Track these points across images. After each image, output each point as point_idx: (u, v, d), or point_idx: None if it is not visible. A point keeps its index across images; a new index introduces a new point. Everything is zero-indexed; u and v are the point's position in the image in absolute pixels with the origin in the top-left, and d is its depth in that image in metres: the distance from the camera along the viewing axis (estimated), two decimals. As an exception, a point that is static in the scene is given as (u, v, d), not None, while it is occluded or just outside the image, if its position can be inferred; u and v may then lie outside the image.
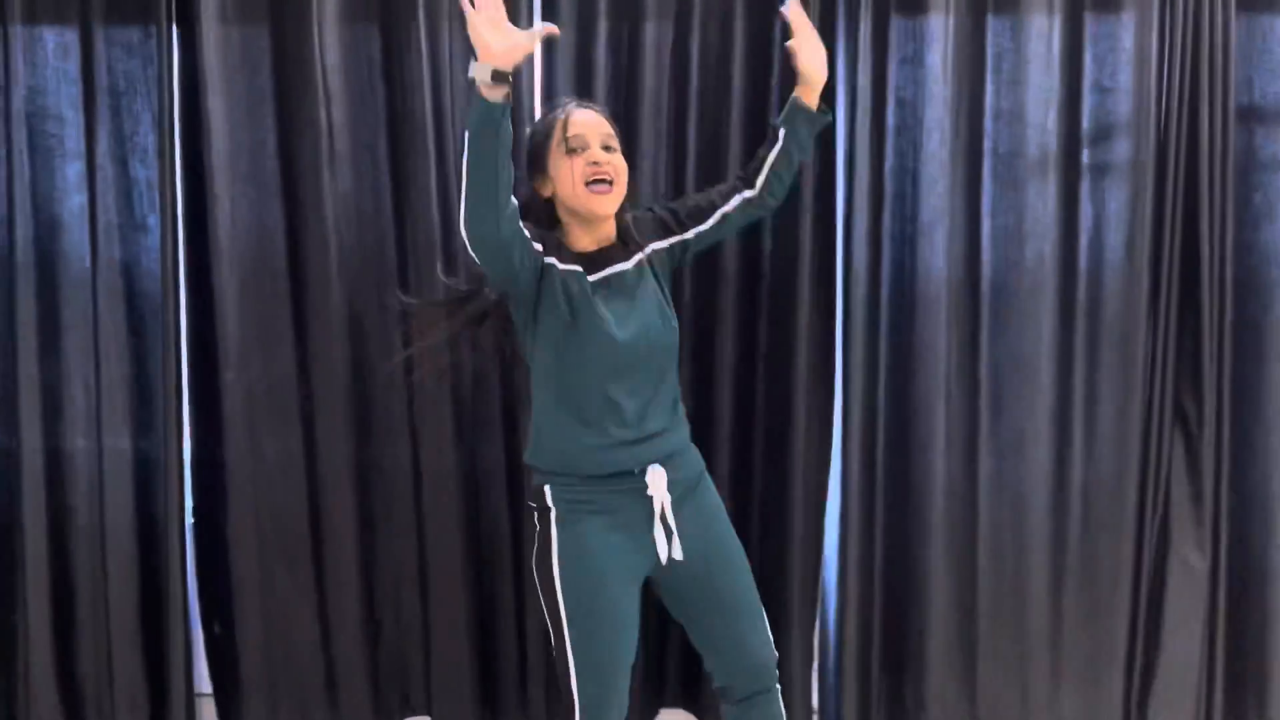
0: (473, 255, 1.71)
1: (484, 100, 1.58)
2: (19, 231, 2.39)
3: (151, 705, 2.50)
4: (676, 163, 2.39)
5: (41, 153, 2.41)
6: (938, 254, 2.32)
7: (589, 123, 1.82)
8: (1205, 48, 2.27)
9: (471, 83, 1.60)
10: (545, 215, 1.87)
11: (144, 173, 2.43)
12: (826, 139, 2.31)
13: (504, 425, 2.44)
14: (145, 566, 2.48)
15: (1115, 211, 2.30)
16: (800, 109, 1.93)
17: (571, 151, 1.79)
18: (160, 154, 2.37)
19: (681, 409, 1.92)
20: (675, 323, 1.87)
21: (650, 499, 1.79)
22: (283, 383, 2.44)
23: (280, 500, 2.45)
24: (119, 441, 2.45)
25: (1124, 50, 2.29)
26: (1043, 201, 2.30)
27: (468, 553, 2.45)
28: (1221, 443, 2.31)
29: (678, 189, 2.36)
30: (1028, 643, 2.37)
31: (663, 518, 1.80)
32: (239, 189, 2.39)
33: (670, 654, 2.50)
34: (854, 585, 2.37)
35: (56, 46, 2.41)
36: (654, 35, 2.37)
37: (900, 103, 2.33)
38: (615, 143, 1.85)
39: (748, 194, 1.96)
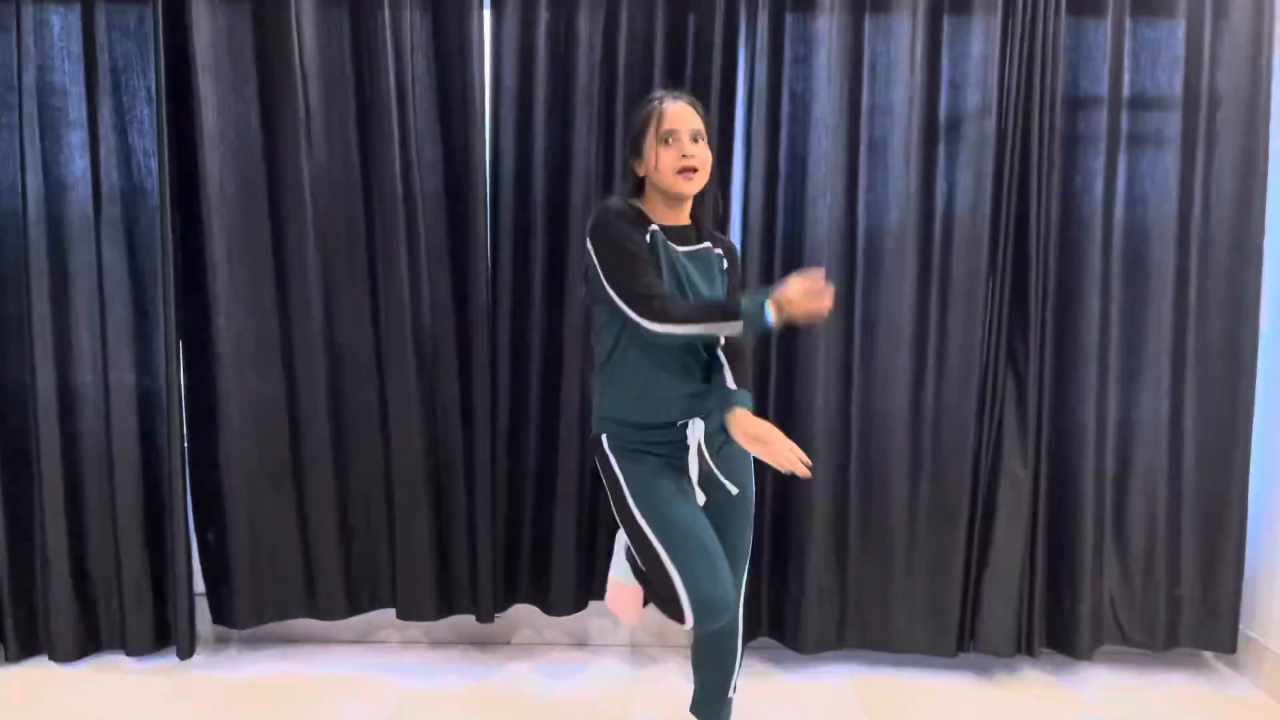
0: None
1: (765, 325, 1.87)
2: (30, 192, 2.65)
3: (155, 602, 2.83)
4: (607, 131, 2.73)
5: (49, 123, 2.67)
6: (821, 223, 2.68)
7: (681, 115, 2.02)
8: (1039, 48, 2.63)
9: (761, 310, 1.86)
10: (635, 187, 2.11)
11: (141, 142, 2.71)
12: (726, 129, 2.69)
13: (459, 363, 2.77)
14: (148, 484, 2.78)
15: (963, 188, 2.68)
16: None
17: (665, 141, 2.01)
18: (156, 125, 2.62)
19: (722, 365, 2.09)
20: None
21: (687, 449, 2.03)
22: (266, 327, 2.74)
23: (265, 427, 2.76)
24: (124, 377, 2.74)
25: (973, 53, 2.66)
26: (905, 180, 2.68)
27: (427, 471, 2.78)
28: (1043, 378, 2.72)
29: (608, 153, 2.73)
30: (889, 540, 2.78)
31: (699, 457, 2.03)
32: (226, 158, 2.67)
33: (521, 552, 2.87)
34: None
35: (61, 28, 2.67)
36: (587, 26, 2.70)
37: (792, 96, 2.70)
38: (702, 134, 2.05)
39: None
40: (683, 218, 2.11)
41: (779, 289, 1.86)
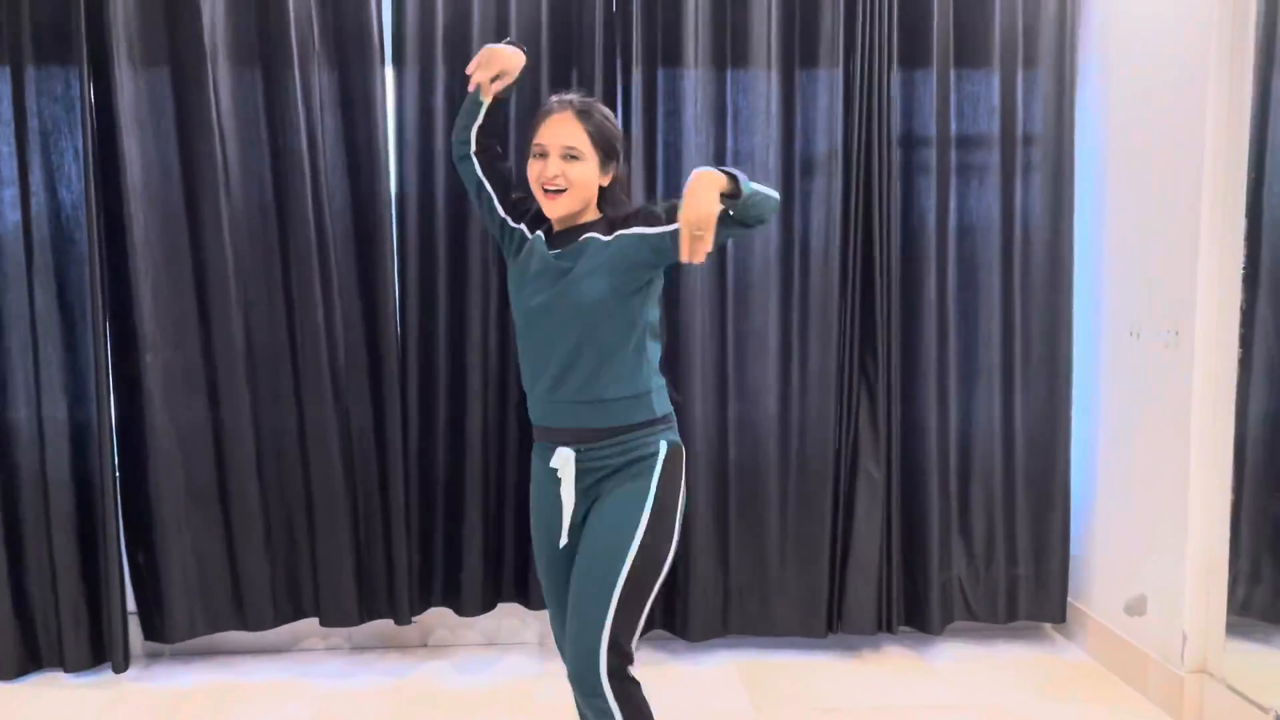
0: None
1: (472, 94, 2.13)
2: (-35, 246, 2.89)
3: (90, 620, 3.02)
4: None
5: (-18, 181, 2.92)
6: None
7: (554, 128, 1.93)
8: (876, 94, 3.00)
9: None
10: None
11: (69, 197, 2.93)
12: None
13: (370, 390, 3.03)
14: (81, 510, 2.98)
15: (816, 223, 3.05)
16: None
17: (536, 157, 1.95)
18: (83, 181, 2.85)
19: (629, 391, 1.92)
20: (615, 302, 1.87)
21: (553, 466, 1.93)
22: (191, 362, 2.97)
23: (191, 454, 2.99)
24: (57, 411, 2.94)
25: (820, 103, 3.04)
26: (766, 217, 3.08)
27: (345, 489, 3.04)
28: (891, 387, 3.09)
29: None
30: (763, 533, 3.11)
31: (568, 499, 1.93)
32: (150, 210, 2.91)
33: (506, 552, 3.15)
34: None
35: (-8, 93, 2.94)
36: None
37: (666, 145, 3.04)
38: (581, 148, 1.91)
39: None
40: (581, 219, 2.00)
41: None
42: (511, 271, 2.06)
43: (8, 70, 2.89)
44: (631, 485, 1.91)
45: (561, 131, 1.93)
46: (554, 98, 2.02)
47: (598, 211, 2.02)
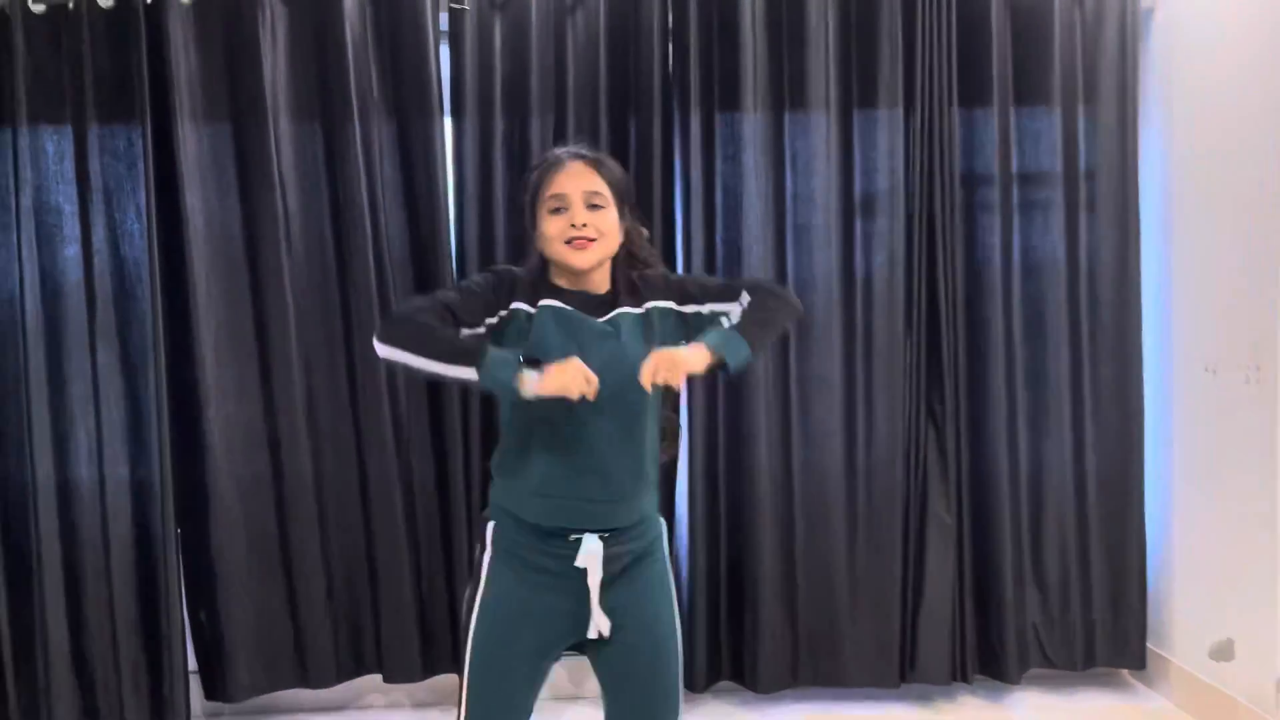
0: None
1: (513, 389, 1.66)
2: (28, 303, 2.88)
3: (150, 681, 2.99)
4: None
5: (45, 239, 2.91)
6: None
7: (572, 177, 1.79)
8: (936, 133, 2.99)
9: (511, 375, 1.67)
10: (540, 263, 1.87)
11: (131, 253, 2.94)
12: (668, 220, 3.02)
13: (432, 443, 3.02)
14: (142, 569, 2.97)
15: (879, 264, 3.03)
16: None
17: (555, 211, 1.79)
18: (145, 238, 2.88)
19: (650, 477, 1.85)
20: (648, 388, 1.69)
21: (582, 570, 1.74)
22: (252, 419, 2.98)
23: (252, 510, 2.98)
24: (119, 470, 2.95)
25: (880, 143, 3.02)
26: (827, 258, 3.02)
27: (408, 542, 3.01)
28: (960, 431, 3.04)
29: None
30: (832, 583, 3.05)
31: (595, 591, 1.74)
32: (212, 264, 2.93)
33: None
34: (701, 546, 3.03)
35: (55, 152, 2.92)
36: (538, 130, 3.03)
37: (725, 189, 3.02)
38: (603, 196, 1.80)
39: (744, 299, 1.86)
40: (598, 285, 1.85)
41: (547, 371, 1.66)
42: (540, 345, 1.76)
43: (70, 130, 2.92)
44: (654, 571, 1.86)
45: (580, 180, 1.80)
46: (558, 150, 1.89)
47: (609, 280, 1.87)
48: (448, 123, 3.04)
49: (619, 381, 1.70)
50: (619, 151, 3.02)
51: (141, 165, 2.90)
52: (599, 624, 1.77)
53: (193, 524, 3.00)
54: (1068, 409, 3.11)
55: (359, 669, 3.11)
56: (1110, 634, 3.15)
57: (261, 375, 2.99)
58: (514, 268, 1.90)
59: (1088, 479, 3.12)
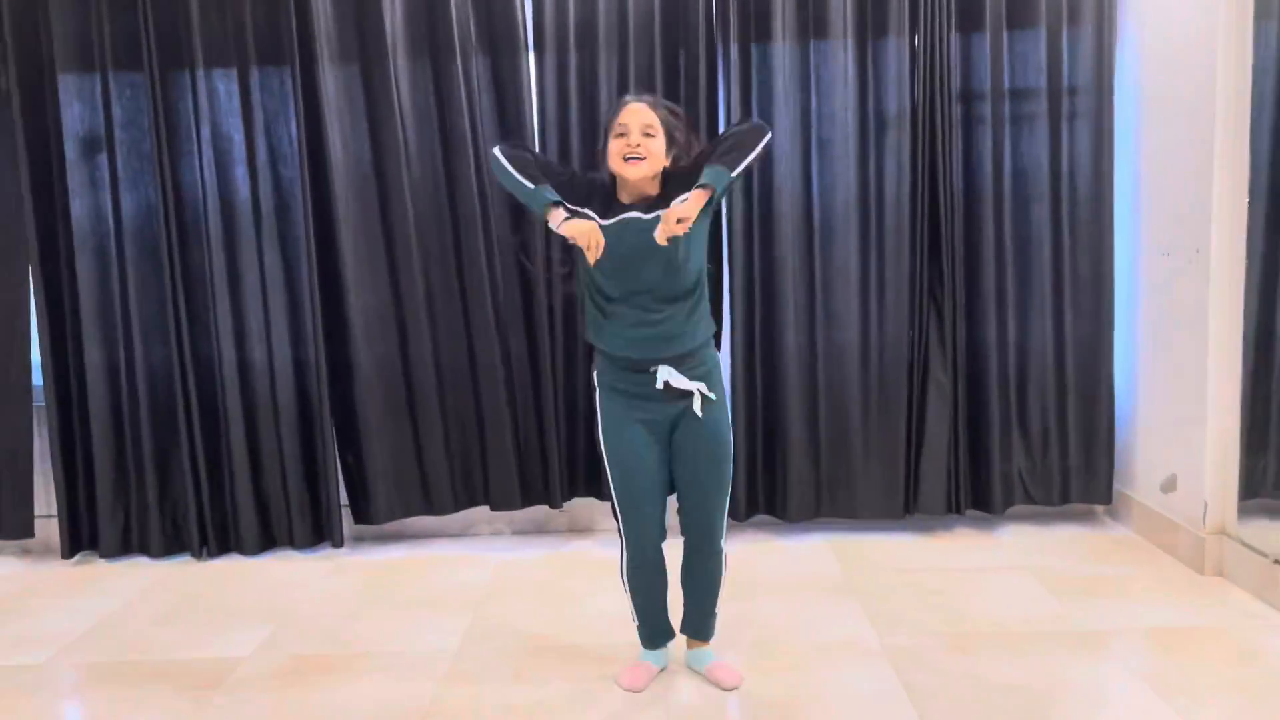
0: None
1: (542, 213, 2.38)
2: (209, 214, 3.65)
3: (312, 509, 3.85)
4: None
5: (221, 163, 3.67)
6: (784, 202, 3.63)
7: (634, 112, 2.37)
8: (937, 56, 3.54)
9: (543, 206, 2.36)
10: (612, 179, 2.45)
11: (287, 173, 3.69)
12: (711, 134, 3.63)
13: (525, 325, 3.74)
14: (303, 424, 3.79)
15: (890, 172, 3.61)
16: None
17: (618, 136, 2.37)
18: (298, 159, 3.61)
19: (703, 322, 2.45)
20: (691, 261, 2.36)
21: (660, 390, 2.40)
22: (383, 304, 3.72)
23: (386, 378, 3.75)
24: (283, 348, 3.74)
25: (890, 66, 3.59)
26: (846, 168, 3.62)
27: (507, 403, 3.76)
28: (956, 310, 3.64)
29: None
30: (848, 435, 3.73)
31: (671, 382, 2.38)
32: (348, 183, 3.64)
33: (578, 449, 3.84)
34: (741, 407, 3.72)
35: (225, 91, 3.68)
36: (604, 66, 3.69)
37: (760, 111, 3.62)
38: (657, 129, 2.36)
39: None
40: (643, 197, 2.41)
41: (573, 219, 2.32)
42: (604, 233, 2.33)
43: (235, 72, 3.66)
44: (718, 403, 2.48)
45: (640, 115, 2.37)
46: (628, 95, 2.48)
47: (659, 188, 2.43)
48: (532, 58, 3.69)
49: (650, 259, 2.35)
50: (671, 81, 3.66)
51: (291, 101, 3.63)
52: (696, 400, 2.42)
53: (340, 389, 3.79)
54: (1049, 289, 3.71)
55: (471, 501, 3.91)
56: (1083, 476, 3.79)
57: (390, 271, 3.74)
58: (597, 176, 2.52)
59: (1066, 346, 3.73)
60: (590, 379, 2.61)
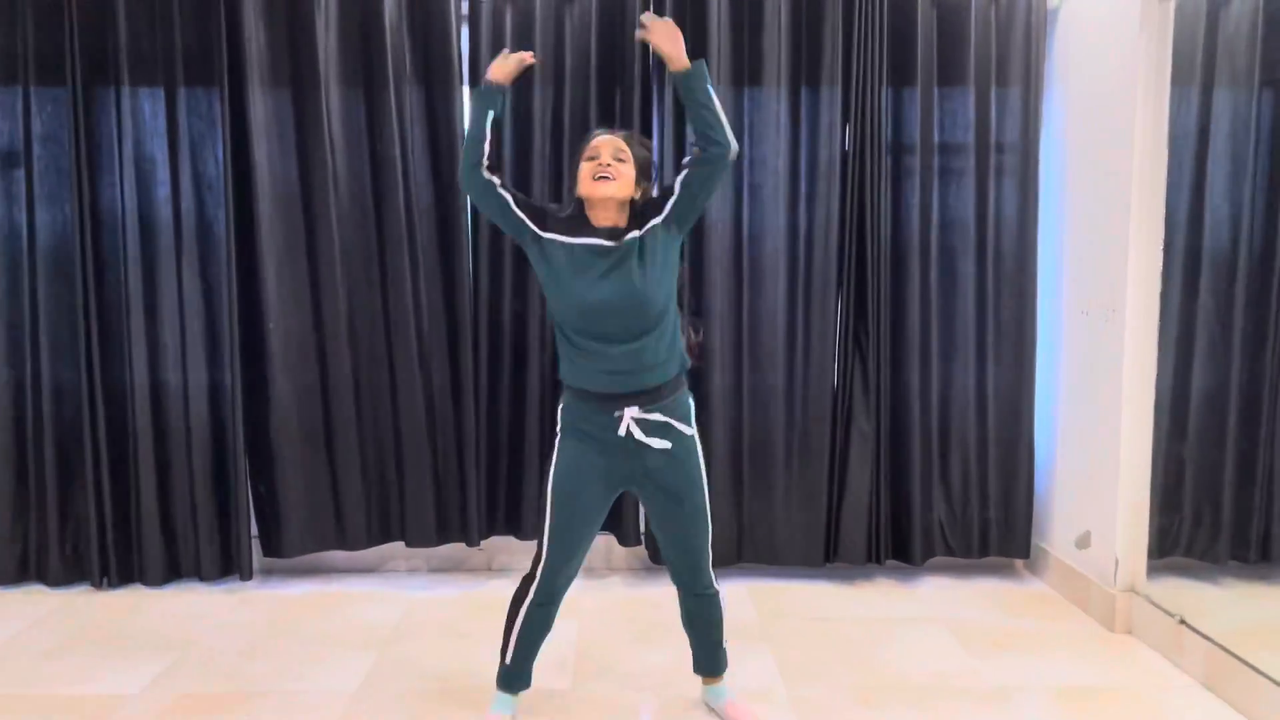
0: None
1: (477, 88, 2.43)
2: (128, 235, 3.56)
3: (221, 539, 3.73)
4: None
5: (143, 183, 3.58)
6: (714, 245, 3.62)
7: (605, 140, 2.36)
8: (869, 108, 3.57)
9: (479, 94, 2.40)
10: (581, 211, 2.39)
11: (210, 196, 3.62)
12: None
13: (449, 354, 3.69)
14: (216, 451, 3.68)
15: (819, 219, 3.63)
16: (672, 76, 2.33)
17: (589, 159, 2.35)
18: (222, 182, 3.54)
19: (675, 354, 2.38)
20: (660, 287, 2.30)
21: (625, 433, 2.32)
22: (304, 330, 3.65)
23: (303, 405, 3.67)
24: (199, 373, 3.64)
25: (823, 116, 3.62)
26: (775, 213, 3.63)
27: (428, 435, 3.70)
28: (880, 359, 3.65)
29: (557, 198, 3.67)
30: (771, 479, 3.71)
31: (634, 433, 2.31)
32: (274, 207, 3.58)
33: (499, 493, 3.77)
34: None
35: (151, 111, 3.60)
36: (539, 101, 3.66)
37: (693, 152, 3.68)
38: (626, 156, 2.35)
39: (688, 158, 2.37)
40: (612, 223, 2.36)
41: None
42: (555, 271, 2.34)
43: (162, 92, 3.60)
44: (689, 443, 2.43)
45: (612, 142, 2.37)
46: (599, 129, 2.48)
47: (626, 221, 2.38)
48: (466, 90, 3.67)
49: (619, 292, 2.29)
50: (606, 119, 3.65)
51: (220, 123, 3.57)
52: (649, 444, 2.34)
53: (256, 415, 3.70)
54: (973, 343, 3.74)
55: (386, 536, 3.82)
56: (1002, 529, 3.81)
57: (312, 297, 3.68)
58: (552, 205, 2.52)
59: (988, 400, 3.76)
60: (554, 417, 2.53)
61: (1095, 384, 3.42)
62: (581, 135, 3.54)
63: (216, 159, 3.62)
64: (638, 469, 2.40)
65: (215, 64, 3.54)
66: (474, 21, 3.64)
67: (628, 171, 2.36)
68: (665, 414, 2.37)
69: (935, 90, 3.68)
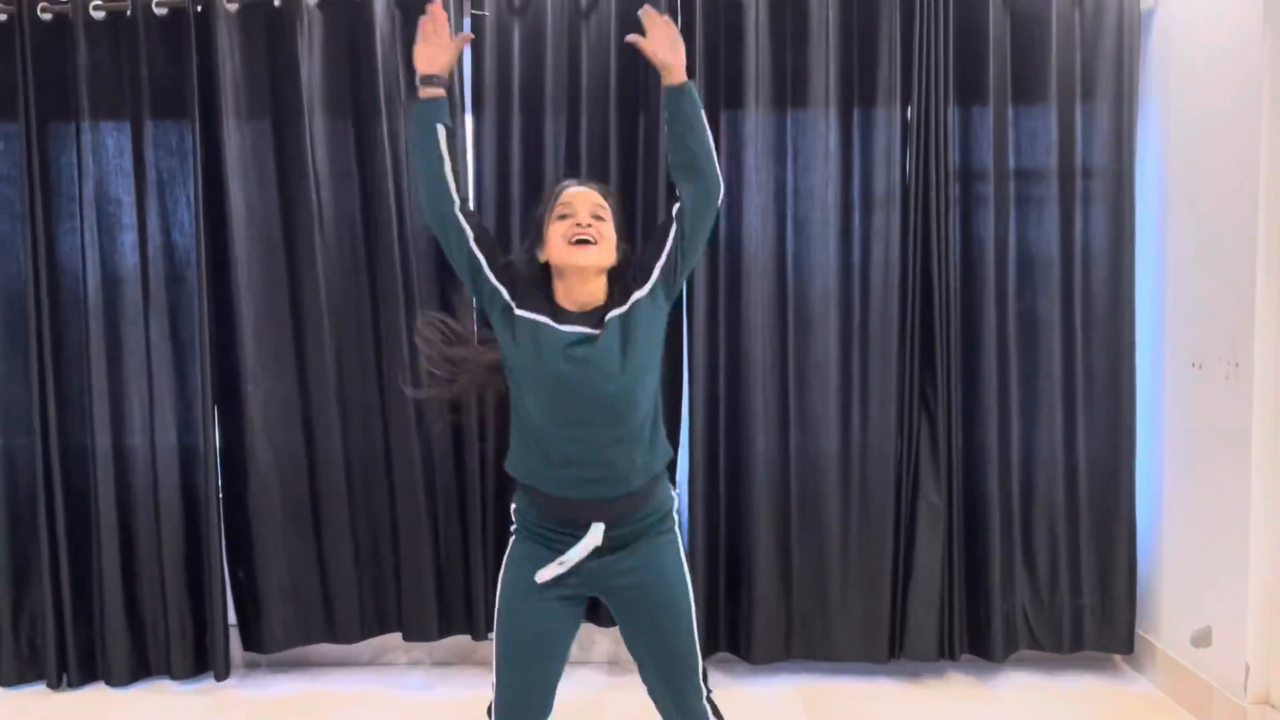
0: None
1: (418, 100, 2.04)
2: (90, 283, 3.16)
3: (195, 632, 3.28)
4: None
5: (105, 225, 3.18)
6: (754, 289, 3.13)
7: (580, 195, 2.01)
8: (933, 130, 3.09)
9: (417, 107, 2.02)
10: (544, 277, 2.06)
11: (181, 240, 3.21)
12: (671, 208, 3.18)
13: (450, 419, 3.18)
14: (188, 529, 3.25)
15: (876, 257, 3.14)
16: (666, 90, 2.05)
17: (562, 218, 1.99)
18: (195, 225, 3.13)
19: (658, 451, 2.02)
20: (643, 381, 1.94)
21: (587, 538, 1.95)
22: (288, 391, 3.21)
23: (287, 477, 3.22)
24: (168, 437, 3.21)
25: (878, 138, 3.13)
26: (825, 250, 3.14)
27: (427, 511, 3.23)
28: (951, 416, 3.14)
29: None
30: (825, 561, 3.19)
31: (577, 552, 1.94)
32: (252, 250, 3.16)
33: None
34: (700, 524, 3.18)
35: (115, 148, 3.20)
36: (553, 130, 3.20)
37: (728, 185, 3.17)
38: (606, 214, 2.02)
39: (676, 205, 2.07)
40: (590, 300, 2.02)
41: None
42: (520, 347, 1.97)
43: (128, 126, 3.19)
44: (666, 538, 2.06)
45: (588, 197, 2.03)
46: (566, 181, 2.12)
47: (604, 294, 2.04)
48: (469, 119, 3.23)
49: (595, 388, 1.92)
50: (628, 147, 3.19)
51: (191, 159, 3.15)
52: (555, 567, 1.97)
53: (233, 489, 3.26)
54: (1060, 399, 3.20)
55: (381, 627, 3.34)
56: (1099, 619, 3.24)
57: (296, 354, 3.23)
58: (521, 270, 2.09)
59: (1079, 466, 3.21)
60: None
61: (1214, 448, 2.87)
62: (600, 167, 3.19)
63: (188, 198, 3.21)
64: (608, 572, 2.00)
65: (186, 94, 3.13)
66: (476, 40, 3.19)
67: (609, 233, 2.02)
68: (641, 522, 2.01)
69: (1010, 108, 3.17)
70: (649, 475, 2.00)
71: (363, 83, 3.17)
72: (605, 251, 2.01)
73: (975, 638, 3.25)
